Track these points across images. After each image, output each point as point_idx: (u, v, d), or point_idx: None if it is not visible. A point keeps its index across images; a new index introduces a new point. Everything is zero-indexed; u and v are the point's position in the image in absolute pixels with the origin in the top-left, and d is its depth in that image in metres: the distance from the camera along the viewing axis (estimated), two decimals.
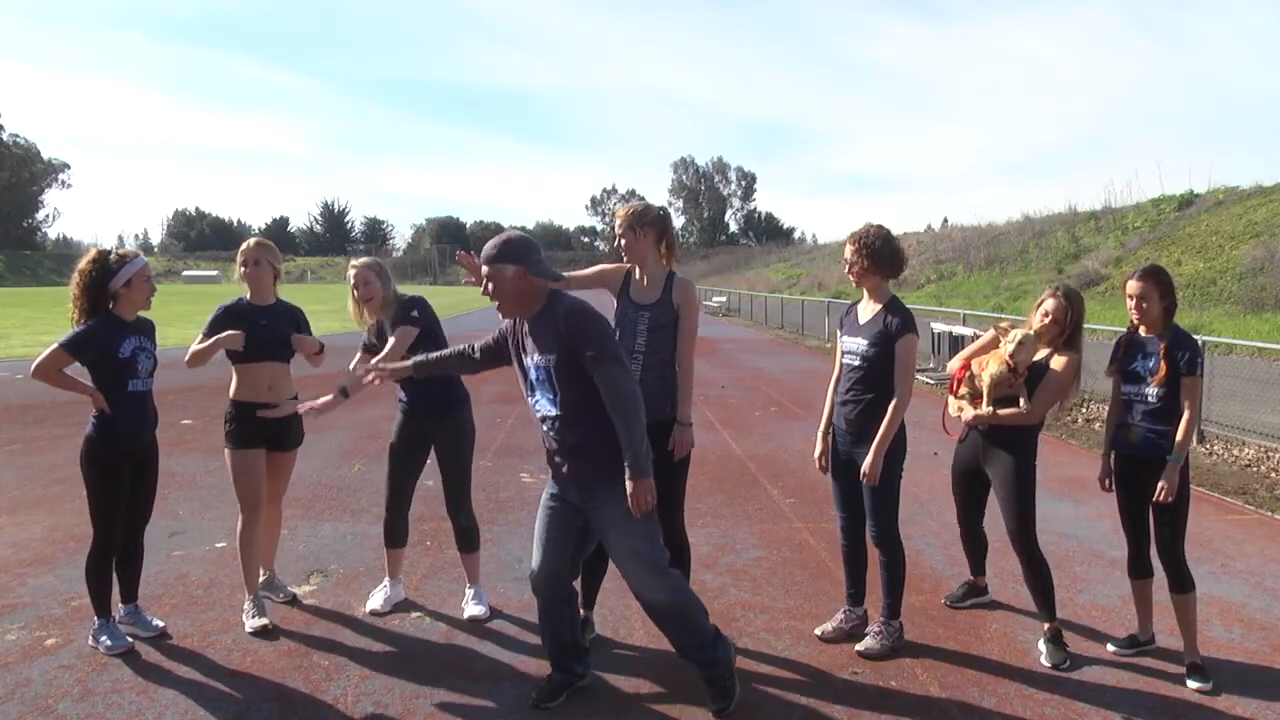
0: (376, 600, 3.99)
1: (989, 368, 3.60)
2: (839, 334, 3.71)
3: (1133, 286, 3.47)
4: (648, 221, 3.47)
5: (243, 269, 4.01)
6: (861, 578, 3.73)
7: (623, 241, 3.47)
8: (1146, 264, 3.65)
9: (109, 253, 3.62)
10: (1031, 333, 3.55)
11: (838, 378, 3.68)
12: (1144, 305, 3.45)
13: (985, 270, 32.74)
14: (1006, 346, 3.56)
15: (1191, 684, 3.29)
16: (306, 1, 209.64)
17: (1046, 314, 3.62)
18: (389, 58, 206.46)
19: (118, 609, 3.67)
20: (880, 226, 3.55)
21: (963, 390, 3.74)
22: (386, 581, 4.07)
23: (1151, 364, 3.42)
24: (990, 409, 3.58)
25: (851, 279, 3.59)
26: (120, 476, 3.53)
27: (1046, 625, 3.55)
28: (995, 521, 3.96)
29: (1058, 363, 3.56)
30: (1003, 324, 3.72)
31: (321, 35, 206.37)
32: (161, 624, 3.70)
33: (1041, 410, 3.59)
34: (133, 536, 3.70)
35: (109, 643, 3.49)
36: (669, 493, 3.51)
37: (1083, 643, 3.66)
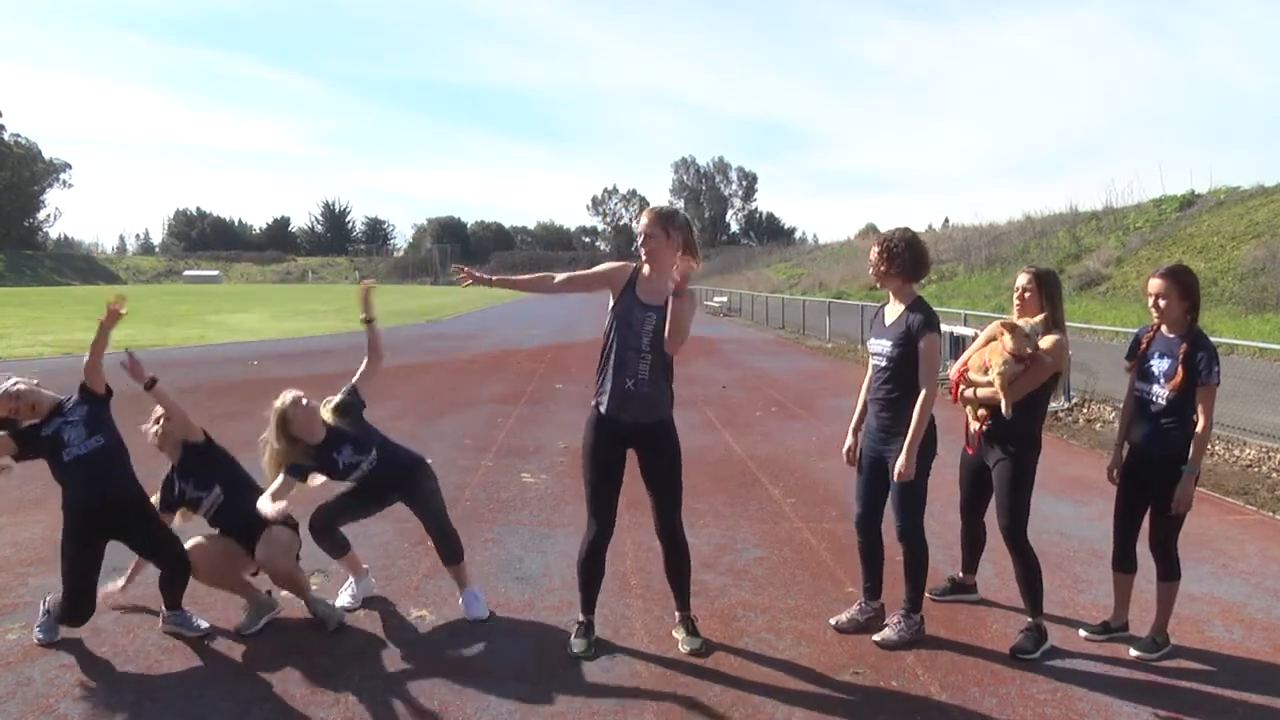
0: (344, 599, 4.00)
1: (995, 365, 3.58)
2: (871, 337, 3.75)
3: (1153, 285, 3.48)
4: (678, 225, 3.46)
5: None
6: (878, 572, 3.78)
7: (647, 240, 3.41)
8: (1171, 263, 3.63)
9: None
10: (1034, 321, 3.54)
11: (870, 379, 3.73)
12: (1162, 304, 3.45)
13: (986, 270, 32.71)
14: (1007, 339, 3.55)
15: (1134, 651, 3.49)
16: (306, 1, 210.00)
17: (1018, 288, 3.68)
18: (389, 58, 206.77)
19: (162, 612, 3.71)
20: (905, 230, 3.59)
21: (966, 392, 3.75)
22: (351, 580, 4.08)
23: (1168, 366, 3.42)
24: (1008, 407, 3.51)
25: (875, 280, 3.64)
26: (86, 533, 3.57)
27: (1030, 620, 3.58)
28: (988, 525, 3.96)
29: (1045, 343, 3.54)
30: (1002, 323, 3.72)
31: (321, 35, 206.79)
32: (206, 625, 3.71)
33: (1024, 386, 3.53)
34: (163, 564, 3.68)
35: (38, 634, 3.62)
36: (666, 493, 3.52)
37: (1083, 644, 3.65)
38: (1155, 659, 3.47)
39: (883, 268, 3.57)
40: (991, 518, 3.83)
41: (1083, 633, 3.69)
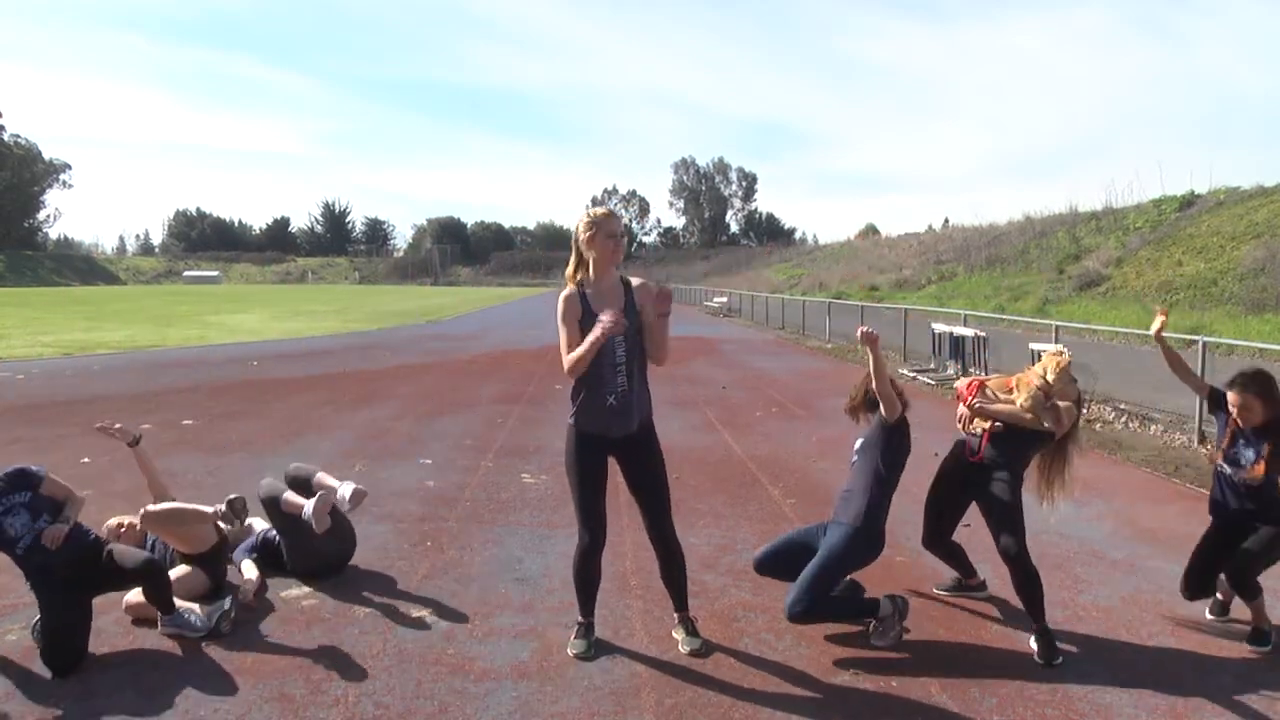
0: (346, 490, 4.29)
1: (1023, 391, 3.70)
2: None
3: (1233, 399, 3.62)
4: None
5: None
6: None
7: (613, 244, 3.42)
8: (1245, 371, 3.70)
9: None
10: (1072, 362, 3.74)
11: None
12: (1246, 414, 3.59)
13: (986, 270, 32.74)
14: (1048, 374, 3.71)
15: (1252, 646, 3.63)
16: (306, 1, 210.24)
17: (1060, 366, 3.76)
18: (389, 58, 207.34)
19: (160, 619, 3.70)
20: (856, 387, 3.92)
21: (973, 401, 3.81)
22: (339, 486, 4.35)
23: (1253, 455, 3.58)
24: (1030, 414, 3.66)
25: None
26: (66, 598, 3.48)
27: (1034, 624, 3.60)
28: (980, 529, 3.97)
29: (1061, 403, 3.70)
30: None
31: (321, 35, 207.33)
32: (207, 621, 3.68)
33: (1033, 417, 3.67)
34: (138, 583, 3.67)
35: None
36: (657, 500, 3.53)
37: (1084, 644, 3.66)
38: (1268, 650, 3.58)
39: (858, 416, 3.94)
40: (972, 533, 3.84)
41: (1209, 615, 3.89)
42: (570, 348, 3.35)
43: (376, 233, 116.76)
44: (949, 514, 4.04)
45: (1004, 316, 18.00)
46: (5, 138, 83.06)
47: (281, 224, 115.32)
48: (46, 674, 3.32)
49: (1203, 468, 6.97)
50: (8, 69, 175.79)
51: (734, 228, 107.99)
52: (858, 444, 3.88)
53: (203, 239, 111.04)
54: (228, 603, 3.79)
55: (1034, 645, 3.54)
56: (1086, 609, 4.01)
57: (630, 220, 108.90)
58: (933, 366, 13.17)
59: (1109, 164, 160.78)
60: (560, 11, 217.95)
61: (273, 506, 4.29)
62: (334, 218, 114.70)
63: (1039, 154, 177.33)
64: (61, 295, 50.33)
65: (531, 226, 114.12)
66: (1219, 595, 3.91)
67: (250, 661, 3.45)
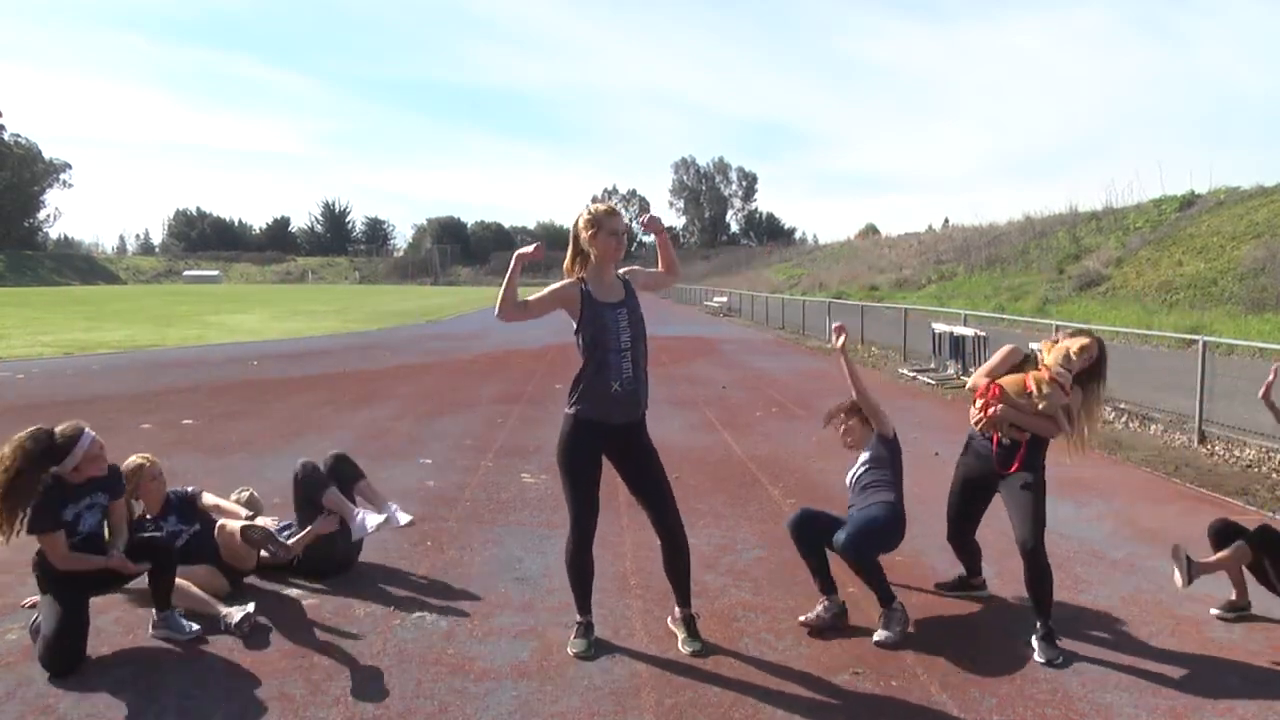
0: (402, 518, 4.38)
1: (1043, 391, 3.68)
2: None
3: None
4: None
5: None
6: (824, 570, 3.88)
7: (615, 242, 3.44)
8: None
9: (51, 433, 3.53)
10: (1077, 347, 3.71)
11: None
12: None
13: (986, 270, 32.72)
14: (1056, 364, 3.72)
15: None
16: (306, 1, 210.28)
17: (1083, 349, 3.73)
18: (389, 58, 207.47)
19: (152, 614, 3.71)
20: (849, 402, 4.10)
21: (994, 410, 3.78)
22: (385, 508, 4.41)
23: None
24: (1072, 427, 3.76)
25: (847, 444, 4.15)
26: (75, 599, 3.49)
27: (1039, 624, 3.58)
28: (989, 523, 3.97)
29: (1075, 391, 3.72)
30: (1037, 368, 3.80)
31: (321, 35, 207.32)
32: (197, 627, 3.68)
33: (1050, 423, 3.73)
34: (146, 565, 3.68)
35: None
36: (663, 496, 3.54)
37: (1083, 644, 3.65)
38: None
39: (849, 438, 4.10)
40: (989, 525, 3.84)
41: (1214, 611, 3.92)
42: (539, 304, 3.39)
43: (376, 233, 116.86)
44: (974, 511, 4.03)
45: (1004, 316, 17.97)
46: (5, 138, 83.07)
47: (281, 224, 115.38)
48: (45, 674, 3.31)
49: (1202, 467, 6.97)
50: (8, 69, 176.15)
51: (734, 228, 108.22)
52: (863, 457, 4.00)
53: (203, 239, 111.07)
54: (251, 605, 3.80)
55: (1035, 645, 3.54)
56: (1086, 609, 4.01)
57: (630, 220, 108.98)
58: (933, 366, 13.17)
59: (1109, 164, 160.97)
60: (560, 11, 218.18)
61: (310, 491, 4.24)
62: (334, 217, 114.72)
63: (1039, 154, 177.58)
64: (61, 295, 50.33)
65: (532, 226, 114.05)
66: (1233, 596, 3.92)
67: (250, 661, 3.45)
